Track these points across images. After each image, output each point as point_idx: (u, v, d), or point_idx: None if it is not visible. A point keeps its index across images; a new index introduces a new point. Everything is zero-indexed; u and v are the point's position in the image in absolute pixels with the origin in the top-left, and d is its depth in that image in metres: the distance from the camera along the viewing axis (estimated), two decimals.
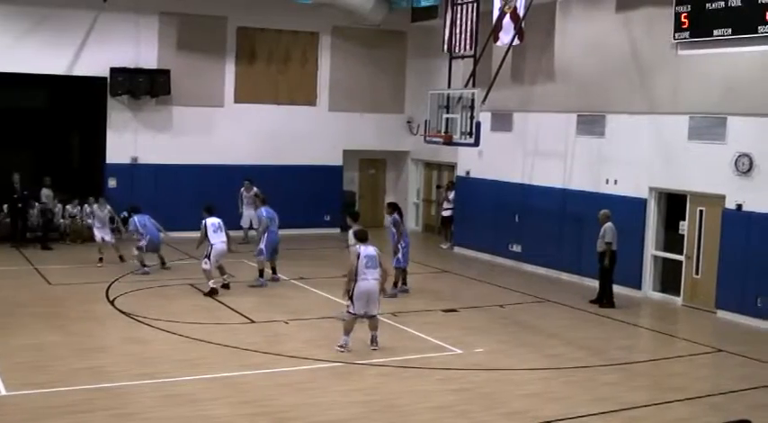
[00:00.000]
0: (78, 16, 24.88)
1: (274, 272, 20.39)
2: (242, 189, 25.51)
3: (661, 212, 20.33)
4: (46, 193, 24.78)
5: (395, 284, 19.15)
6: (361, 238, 15.17)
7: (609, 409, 12.27)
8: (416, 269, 21.90)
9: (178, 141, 26.37)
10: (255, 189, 24.77)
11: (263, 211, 20.23)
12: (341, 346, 14.54)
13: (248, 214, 25.21)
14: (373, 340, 14.79)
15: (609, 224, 18.97)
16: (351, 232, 16.96)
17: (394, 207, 20.04)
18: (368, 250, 14.67)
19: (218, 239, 18.77)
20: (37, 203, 24.50)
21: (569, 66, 22.28)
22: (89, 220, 23.51)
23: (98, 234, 21.87)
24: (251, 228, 24.97)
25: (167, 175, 25.91)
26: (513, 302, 19.31)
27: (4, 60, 23.99)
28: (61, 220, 24.94)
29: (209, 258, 18.66)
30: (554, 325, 17.39)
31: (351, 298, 14.57)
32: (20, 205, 24.16)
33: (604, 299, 19.12)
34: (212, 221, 18.85)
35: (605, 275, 19.18)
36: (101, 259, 21.58)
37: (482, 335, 16.29)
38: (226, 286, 19.08)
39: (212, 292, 18.55)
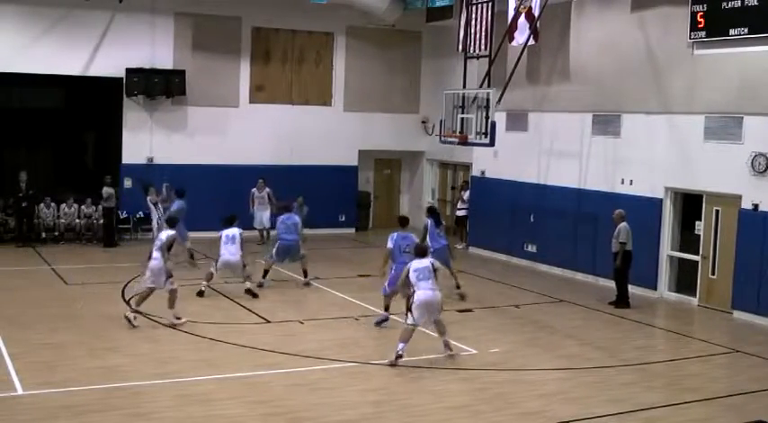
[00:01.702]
0: (94, 17, 24.95)
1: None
2: (253, 189, 25.43)
3: (677, 213, 20.24)
4: (110, 191, 24.60)
5: None
6: (419, 253, 14.87)
7: (625, 410, 12.22)
8: None
9: (193, 142, 26.43)
10: (268, 189, 24.70)
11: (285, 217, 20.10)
12: (399, 353, 13.96)
13: (261, 215, 25.16)
14: (446, 346, 14.40)
15: (624, 224, 18.89)
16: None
17: (430, 211, 19.60)
18: (421, 263, 14.35)
19: (227, 251, 18.56)
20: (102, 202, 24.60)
21: (584, 65, 22.22)
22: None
23: None
24: (271, 227, 24.86)
25: (182, 175, 25.85)
26: (528, 303, 19.26)
27: (21, 60, 24.13)
28: (77, 221, 25.01)
29: (215, 264, 18.74)
30: (569, 325, 17.34)
31: (409, 309, 14.36)
32: (24, 204, 24.22)
33: (622, 300, 19.04)
34: (227, 233, 18.57)
35: (620, 276, 19.14)
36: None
37: (497, 335, 16.26)
38: (200, 293, 18.59)
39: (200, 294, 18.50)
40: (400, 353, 13.85)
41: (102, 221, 24.65)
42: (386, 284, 16.42)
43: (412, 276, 14.22)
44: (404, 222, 17.92)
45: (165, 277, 15.90)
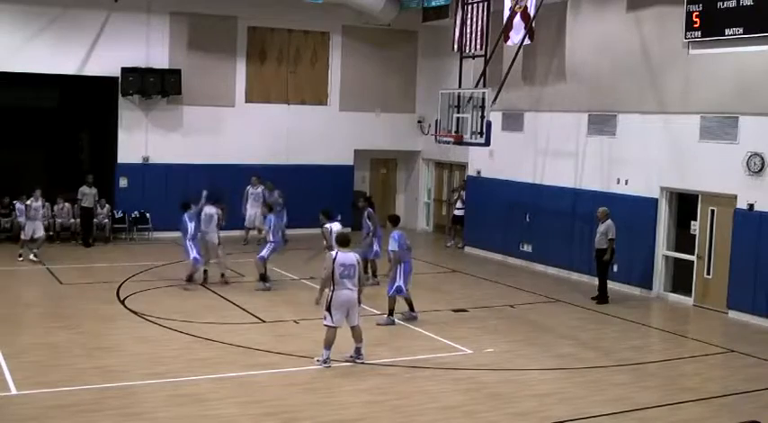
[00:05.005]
0: (89, 16, 24.93)
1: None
2: (248, 186, 25.49)
3: (672, 212, 20.24)
4: (84, 190, 24.31)
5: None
6: (342, 242, 13.94)
7: (620, 410, 12.22)
8: (427, 269, 21.96)
9: (189, 141, 26.40)
10: (262, 187, 24.68)
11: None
12: (324, 362, 13.60)
13: (252, 213, 25.22)
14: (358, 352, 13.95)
15: (610, 221, 19.10)
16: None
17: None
18: (347, 258, 13.55)
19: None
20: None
21: (580, 65, 22.20)
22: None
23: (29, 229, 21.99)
24: (253, 228, 25.01)
25: (178, 174, 25.89)
26: (523, 302, 19.25)
27: (16, 60, 24.10)
28: (72, 220, 24.96)
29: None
30: (565, 325, 17.33)
31: (328, 309, 13.59)
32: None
33: (606, 294, 19.27)
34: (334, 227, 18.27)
35: (606, 271, 19.31)
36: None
37: (492, 335, 16.25)
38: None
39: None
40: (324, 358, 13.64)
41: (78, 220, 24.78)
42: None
43: (338, 271, 13.50)
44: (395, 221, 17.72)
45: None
